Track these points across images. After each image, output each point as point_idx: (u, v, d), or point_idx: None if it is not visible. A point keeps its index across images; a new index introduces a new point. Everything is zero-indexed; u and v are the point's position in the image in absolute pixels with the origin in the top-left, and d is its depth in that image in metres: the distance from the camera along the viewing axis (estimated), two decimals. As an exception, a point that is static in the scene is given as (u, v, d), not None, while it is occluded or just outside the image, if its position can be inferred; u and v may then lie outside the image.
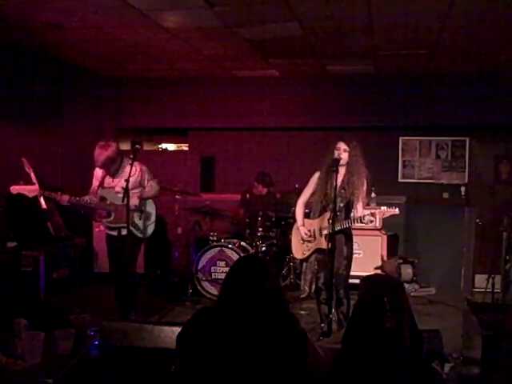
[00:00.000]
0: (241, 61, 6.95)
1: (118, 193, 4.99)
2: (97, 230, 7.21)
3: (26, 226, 5.97)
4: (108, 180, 5.15)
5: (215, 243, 6.42)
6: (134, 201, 5.00)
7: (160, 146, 9.16)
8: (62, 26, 5.43)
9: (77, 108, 7.68)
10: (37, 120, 6.80)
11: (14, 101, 6.36)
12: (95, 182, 5.19)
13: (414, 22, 5.15)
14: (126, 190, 4.76)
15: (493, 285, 5.63)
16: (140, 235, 5.19)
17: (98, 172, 5.20)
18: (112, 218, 5.05)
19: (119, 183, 4.99)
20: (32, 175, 5.83)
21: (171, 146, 9.25)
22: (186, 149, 8.74)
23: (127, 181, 4.78)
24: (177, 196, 6.94)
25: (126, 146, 8.29)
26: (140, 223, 5.19)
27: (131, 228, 5.00)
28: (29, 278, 5.57)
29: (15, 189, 4.91)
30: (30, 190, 4.91)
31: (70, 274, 6.16)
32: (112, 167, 5.08)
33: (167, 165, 8.09)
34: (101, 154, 4.96)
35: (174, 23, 5.36)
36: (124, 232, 4.92)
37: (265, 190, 7.12)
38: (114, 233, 5.07)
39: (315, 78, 7.82)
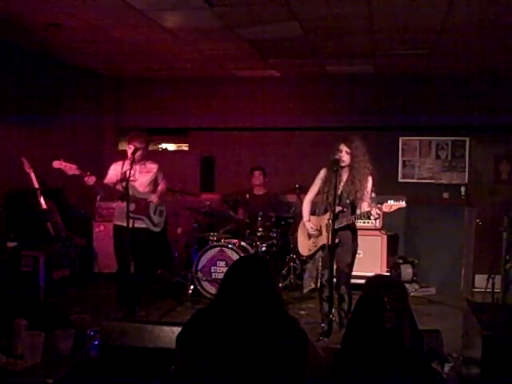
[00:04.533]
0: (241, 61, 6.95)
1: (137, 187, 5.37)
2: (97, 230, 7.22)
3: (26, 225, 5.96)
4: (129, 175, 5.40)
5: (215, 243, 6.42)
6: (154, 198, 5.52)
7: (160, 146, 9.15)
8: (62, 25, 5.43)
9: (77, 108, 7.67)
10: (37, 120, 6.79)
11: (14, 101, 6.36)
12: (113, 177, 5.42)
13: (414, 22, 5.15)
14: (126, 190, 5.05)
15: (493, 285, 5.63)
16: (157, 229, 5.62)
17: (117, 168, 5.46)
18: (134, 208, 5.29)
19: (139, 181, 5.41)
20: (32, 175, 5.85)
21: (171, 146, 9.24)
22: (186, 149, 8.73)
23: (127, 180, 5.10)
24: (178, 196, 6.94)
25: (126, 146, 8.28)
26: (155, 218, 5.59)
27: (149, 223, 5.49)
28: (29, 278, 5.57)
29: (57, 163, 5.08)
30: (71, 167, 5.09)
31: (70, 274, 6.16)
32: (140, 157, 5.41)
33: (167, 165, 8.07)
34: (141, 141, 5.42)
35: (173, 23, 5.36)
36: (137, 224, 5.26)
37: (262, 179, 7.13)
38: (125, 223, 5.09)
39: (315, 78, 7.82)
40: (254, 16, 5.06)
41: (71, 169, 5.10)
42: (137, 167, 5.39)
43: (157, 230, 5.64)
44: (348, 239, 4.69)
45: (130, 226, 5.10)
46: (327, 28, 5.40)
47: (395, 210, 4.56)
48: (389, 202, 4.53)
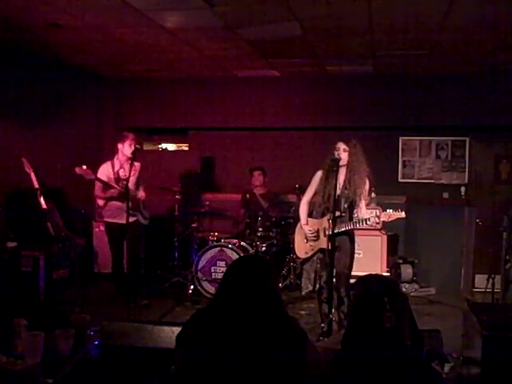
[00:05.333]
0: (241, 61, 6.95)
1: (130, 186, 5.61)
2: (97, 229, 7.22)
3: (26, 226, 5.96)
4: (122, 174, 5.78)
5: (215, 243, 6.43)
6: (142, 193, 5.99)
7: (160, 146, 9.16)
8: (62, 26, 5.43)
9: (77, 108, 7.68)
10: (37, 120, 6.79)
11: (14, 101, 6.36)
12: (104, 178, 5.72)
13: (413, 22, 5.15)
14: (126, 190, 5.30)
15: (493, 285, 5.63)
16: (146, 222, 6.10)
17: (107, 168, 5.81)
18: (130, 205, 5.64)
19: (130, 179, 5.64)
20: (32, 175, 5.85)
21: (171, 146, 9.25)
22: (186, 149, 8.73)
23: (127, 180, 5.39)
24: (177, 196, 6.95)
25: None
26: (144, 212, 6.04)
27: (140, 217, 5.97)
28: (29, 278, 5.56)
29: (78, 169, 5.46)
30: (88, 173, 5.51)
31: (70, 274, 6.15)
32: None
33: (167, 165, 8.09)
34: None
35: (174, 23, 5.36)
36: (130, 219, 5.45)
37: (261, 179, 7.13)
38: (122, 220, 5.34)
39: (315, 78, 7.81)
40: (253, 16, 5.06)
41: (89, 174, 5.49)
42: (127, 166, 5.69)
43: (145, 222, 6.10)
44: (345, 243, 4.69)
45: (125, 222, 5.28)
46: (327, 28, 5.40)
47: (394, 220, 4.56)
48: (388, 211, 4.53)
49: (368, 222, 4.55)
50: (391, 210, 4.51)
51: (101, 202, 5.93)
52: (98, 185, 5.78)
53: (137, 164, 5.87)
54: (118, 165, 5.85)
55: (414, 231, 7.39)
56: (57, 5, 4.81)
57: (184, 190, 7.12)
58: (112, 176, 5.77)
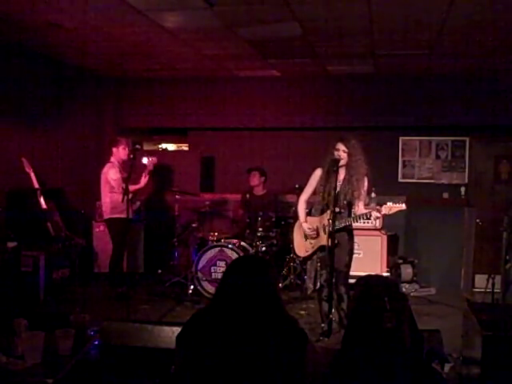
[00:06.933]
0: (241, 61, 6.95)
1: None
2: (97, 230, 7.22)
3: (26, 225, 5.97)
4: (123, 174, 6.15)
5: (215, 243, 6.43)
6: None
7: (160, 146, 9.16)
8: (62, 25, 5.43)
9: (77, 108, 7.67)
10: (37, 120, 6.79)
11: (14, 101, 6.36)
12: (120, 180, 6.14)
13: (414, 22, 5.15)
14: (126, 189, 5.37)
15: (493, 285, 5.62)
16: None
17: (117, 169, 6.21)
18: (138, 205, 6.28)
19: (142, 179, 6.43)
20: (32, 175, 5.86)
21: (171, 146, 9.25)
22: (186, 149, 8.73)
23: (127, 180, 5.51)
24: (177, 196, 6.95)
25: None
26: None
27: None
28: (29, 278, 5.57)
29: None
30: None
31: (70, 274, 6.16)
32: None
33: (167, 165, 8.09)
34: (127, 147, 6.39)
35: (173, 23, 5.36)
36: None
37: (261, 179, 7.13)
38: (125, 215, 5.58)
39: (315, 78, 7.81)
40: (253, 16, 5.05)
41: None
42: (121, 168, 6.29)
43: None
44: (344, 240, 4.69)
45: (125, 216, 5.48)
46: (327, 28, 5.40)
47: (395, 213, 4.54)
48: (388, 203, 4.50)
49: (369, 216, 4.54)
50: (391, 203, 4.49)
51: (120, 197, 5.87)
52: (118, 181, 6.13)
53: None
54: (121, 168, 6.27)
55: (413, 231, 7.39)
56: (57, 5, 4.81)
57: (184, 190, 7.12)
58: (120, 176, 6.17)
